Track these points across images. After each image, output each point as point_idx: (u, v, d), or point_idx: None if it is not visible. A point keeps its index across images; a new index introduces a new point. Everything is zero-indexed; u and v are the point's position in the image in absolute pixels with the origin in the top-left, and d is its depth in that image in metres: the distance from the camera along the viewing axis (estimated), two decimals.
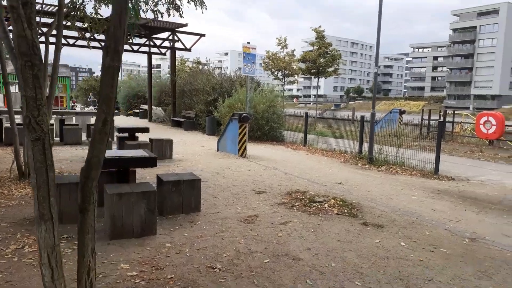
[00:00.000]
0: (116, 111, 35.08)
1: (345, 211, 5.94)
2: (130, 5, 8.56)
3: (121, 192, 4.43)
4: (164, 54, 24.67)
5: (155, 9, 9.18)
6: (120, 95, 34.74)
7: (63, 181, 4.89)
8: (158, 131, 18.60)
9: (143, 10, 9.06)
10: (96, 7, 8.65)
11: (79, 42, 21.65)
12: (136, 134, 10.87)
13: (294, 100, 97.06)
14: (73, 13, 8.42)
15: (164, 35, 22.61)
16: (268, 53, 26.02)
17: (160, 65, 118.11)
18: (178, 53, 26.35)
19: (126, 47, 22.93)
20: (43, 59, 8.44)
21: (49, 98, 7.33)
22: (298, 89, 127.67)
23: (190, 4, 9.31)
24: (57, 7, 7.48)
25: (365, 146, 11.40)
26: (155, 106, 25.44)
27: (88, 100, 41.07)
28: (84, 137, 13.55)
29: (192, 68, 29.18)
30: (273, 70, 26.16)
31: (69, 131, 12.21)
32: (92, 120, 18.49)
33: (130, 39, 21.45)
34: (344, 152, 12.43)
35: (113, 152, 5.37)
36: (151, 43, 23.15)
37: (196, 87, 19.09)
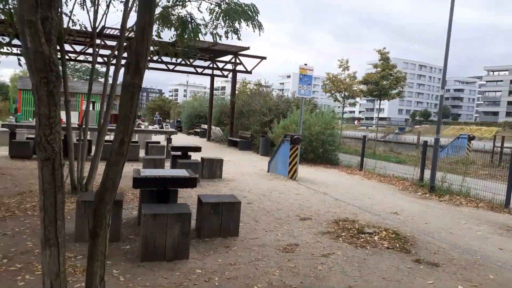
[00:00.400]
0: (178, 129, 36.52)
1: (397, 245, 5.40)
2: (190, 28, 8.85)
3: (156, 212, 4.35)
4: (226, 76, 25.26)
5: (214, 32, 9.38)
6: (183, 115, 36.09)
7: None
8: (214, 150, 18.85)
9: (202, 34, 9.29)
10: (159, 30, 8.99)
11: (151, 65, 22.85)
12: (189, 153, 10.99)
13: (356, 122, 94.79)
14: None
15: (228, 58, 23.24)
16: (328, 75, 25.64)
17: (224, 87, 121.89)
18: (240, 75, 26.89)
19: (191, 69, 23.87)
20: (105, 79, 8.84)
21: (105, 116, 7.63)
22: (360, 111, 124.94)
23: (248, 27, 9.41)
24: (119, 30, 7.82)
25: (427, 174, 10.59)
26: (214, 126, 25.96)
27: (154, 119, 43.06)
28: (142, 153, 14.01)
29: (253, 90, 29.57)
30: (332, 92, 25.68)
31: None
32: (154, 137, 19.22)
33: (190, 61, 22.28)
34: (404, 178, 11.64)
35: (155, 171, 5.37)
36: (215, 66, 23.87)
37: (253, 108, 19.17)
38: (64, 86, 7.26)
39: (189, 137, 29.12)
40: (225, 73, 24.12)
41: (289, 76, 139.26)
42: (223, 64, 23.60)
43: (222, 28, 9.27)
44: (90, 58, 20.83)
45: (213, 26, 9.18)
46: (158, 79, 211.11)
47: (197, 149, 10.19)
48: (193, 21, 8.74)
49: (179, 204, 4.92)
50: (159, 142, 14.80)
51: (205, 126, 27.36)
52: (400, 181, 11.48)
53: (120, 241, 4.91)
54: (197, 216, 5.50)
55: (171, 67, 23.27)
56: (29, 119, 28.00)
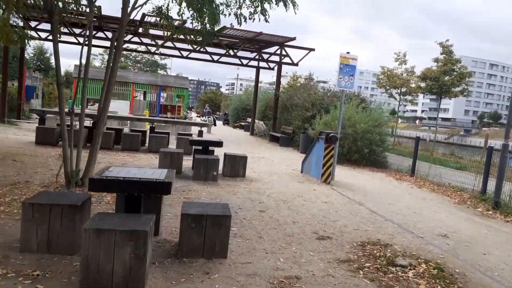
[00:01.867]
0: (226, 122, 35.96)
1: (438, 287, 3.95)
2: (207, 10, 7.75)
3: (100, 227, 3.29)
4: (272, 69, 24.03)
5: (239, 12, 8.21)
6: (230, 108, 35.44)
7: (57, 201, 3.97)
8: (252, 145, 17.80)
9: (224, 14, 8.16)
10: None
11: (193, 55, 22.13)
12: (214, 148, 9.97)
13: (417, 122, 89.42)
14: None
15: (274, 49, 22.02)
16: (383, 69, 23.45)
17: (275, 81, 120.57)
18: (291, 68, 25.64)
19: (235, 60, 22.92)
20: (107, 65, 7.94)
21: (104, 104, 6.77)
22: (422, 111, 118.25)
23: (278, 5, 8.16)
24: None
25: (492, 185, 8.74)
26: (257, 120, 24.92)
27: (204, 110, 42.97)
28: (173, 145, 13.23)
29: (302, 84, 28.11)
30: (387, 87, 23.48)
31: (153, 139, 11.94)
32: (191, 129, 18.49)
33: (233, 51, 21.31)
34: (462, 189, 9.81)
35: (127, 171, 4.32)
36: (260, 58, 22.75)
37: (296, 102, 17.82)
38: (56, 67, 6.47)
39: (234, 131, 28.36)
40: (271, 65, 22.89)
41: None
42: (268, 55, 22.43)
43: (248, 8, 8.11)
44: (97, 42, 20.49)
45: (237, 6, 8.03)
46: (216, 73, 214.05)
47: (218, 144, 9.10)
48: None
49: (141, 216, 3.81)
50: (191, 135, 13.97)
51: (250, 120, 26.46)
52: (457, 192, 9.67)
53: (76, 254, 3.93)
54: (180, 230, 4.40)
55: (215, 58, 22.44)
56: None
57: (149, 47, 21.88)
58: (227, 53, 21.44)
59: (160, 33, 20.50)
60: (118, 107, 30.41)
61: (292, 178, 9.77)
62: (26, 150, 10.22)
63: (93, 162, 6.72)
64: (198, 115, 38.31)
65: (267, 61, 22.45)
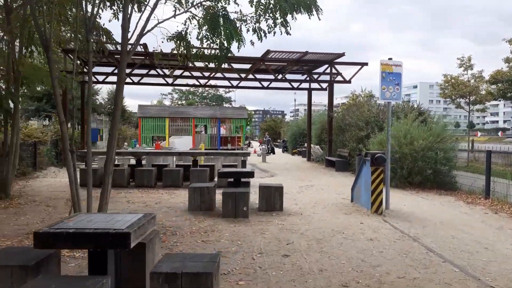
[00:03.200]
0: (285, 149, 35.09)
1: None
2: (223, 25, 7.14)
3: None
4: (325, 89, 22.99)
5: (256, 26, 7.51)
6: (288, 134, 34.64)
7: (6, 262, 3.34)
8: (305, 172, 16.71)
9: (241, 31, 7.50)
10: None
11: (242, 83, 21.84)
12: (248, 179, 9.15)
13: (499, 133, 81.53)
14: None
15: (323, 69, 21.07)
16: (446, 77, 21.20)
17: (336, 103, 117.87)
18: (349, 87, 24.45)
19: (286, 84, 22.24)
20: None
21: (110, 139, 6.29)
22: (505, 121, 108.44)
23: (303, 14, 7.35)
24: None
25: None
26: (313, 145, 23.76)
27: (264, 139, 42.62)
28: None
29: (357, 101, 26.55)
30: (453, 97, 21.13)
31: (194, 174, 11.40)
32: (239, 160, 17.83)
33: (282, 75, 20.62)
34: None
35: (90, 219, 3.58)
36: (311, 78, 21.89)
37: (349, 121, 16.54)
38: (56, 104, 6.14)
39: (292, 157, 27.41)
40: (323, 85, 21.83)
41: (415, 87, 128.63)
42: (317, 75, 21.48)
43: (266, 22, 7.37)
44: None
45: (254, 20, 7.32)
46: (279, 101, 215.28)
47: (249, 174, 8.24)
48: (226, 15, 7.01)
49: (94, 279, 3.02)
50: (236, 165, 13.31)
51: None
52: None
53: None
54: None
55: (265, 84, 21.91)
56: (143, 145, 29.65)
57: (200, 80, 21.89)
58: (275, 78, 20.86)
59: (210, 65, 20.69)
60: (182, 142, 31.06)
61: (339, 209, 8.56)
62: (66, 194, 10.15)
63: (105, 205, 6.21)
64: (261, 144, 37.88)
65: (318, 81, 21.48)
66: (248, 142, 45.21)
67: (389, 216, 7.89)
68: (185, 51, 7.75)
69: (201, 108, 40.82)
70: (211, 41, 7.43)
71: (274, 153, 32.06)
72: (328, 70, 20.45)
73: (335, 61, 19.57)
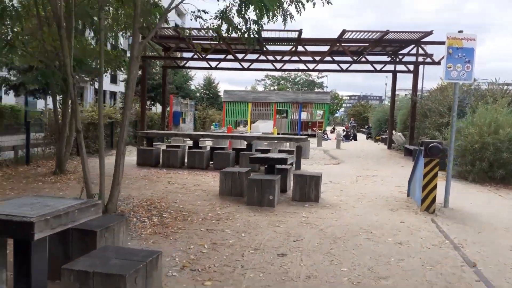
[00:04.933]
0: (369, 136, 33.01)
1: None
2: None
3: None
4: (411, 71, 20.84)
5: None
6: (372, 120, 32.56)
7: None
8: (380, 161, 15.33)
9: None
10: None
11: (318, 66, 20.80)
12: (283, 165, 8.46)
13: None
14: None
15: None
16: None
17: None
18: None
19: (367, 67, 20.60)
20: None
21: (123, 120, 6.12)
22: None
23: None
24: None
25: None
26: (395, 132, 21.81)
27: (349, 124, 40.81)
28: None
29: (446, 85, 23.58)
30: None
31: (218, 157, 11.04)
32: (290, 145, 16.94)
33: (366, 58, 19.04)
34: None
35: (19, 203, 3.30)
36: (396, 59, 19.99)
37: (429, 107, 14.67)
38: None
39: (373, 145, 25.64)
40: (410, 67, 19.74)
41: None
42: (402, 56, 19.47)
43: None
44: None
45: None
46: (377, 86, 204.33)
47: (281, 161, 7.53)
48: None
49: None
50: (292, 151, 12.61)
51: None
52: None
53: None
54: None
55: (344, 66, 20.52)
56: (216, 128, 30.22)
57: (275, 64, 21.23)
58: (353, 60, 19.38)
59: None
60: (266, 127, 31.08)
61: (387, 204, 7.48)
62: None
63: (116, 185, 6.11)
64: (347, 130, 36.31)
65: (403, 62, 19.46)
66: (332, 127, 43.65)
67: (442, 215, 6.63)
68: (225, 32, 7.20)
69: (284, 93, 40.30)
70: (241, 16, 6.82)
71: (356, 139, 30.38)
72: (414, 51, 18.42)
73: (422, 40, 17.48)
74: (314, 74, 73.87)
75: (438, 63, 18.03)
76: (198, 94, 59.96)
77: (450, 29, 12.15)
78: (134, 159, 12.04)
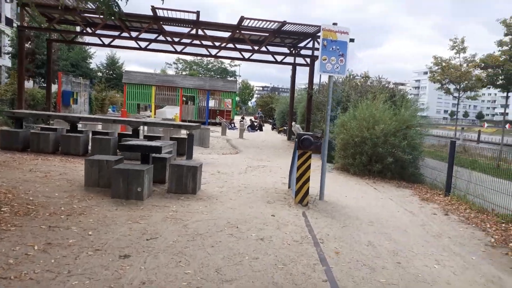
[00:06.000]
0: (274, 127, 33.68)
1: None
2: None
3: None
4: (308, 64, 21.41)
5: None
6: (276, 111, 33.24)
7: None
8: (275, 152, 15.49)
9: None
10: None
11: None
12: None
13: (507, 126, 78.73)
14: None
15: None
16: (436, 60, 19.29)
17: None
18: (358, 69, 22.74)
19: (268, 57, 20.63)
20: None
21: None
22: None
23: None
24: None
25: None
26: (294, 123, 22.39)
27: (256, 115, 41.27)
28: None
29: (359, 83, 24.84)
30: (443, 82, 19.31)
31: (96, 142, 10.13)
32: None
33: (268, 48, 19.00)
34: (509, 220, 6.57)
35: None
36: (296, 52, 20.30)
37: (320, 100, 15.15)
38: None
39: (276, 136, 26.12)
40: (308, 60, 20.22)
41: (426, 73, 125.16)
42: (300, 49, 19.87)
43: None
44: None
45: None
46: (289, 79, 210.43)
47: (155, 149, 6.93)
48: None
49: None
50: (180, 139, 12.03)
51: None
52: (501, 224, 6.47)
53: None
54: None
55: (246, 55, 20.32)
56: (114, 111, 28.34)
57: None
58: (253, 49, 19.23)
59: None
60: (171, 112, 29.78)
61: (266, 196, 7.31)
62: None
63: None
64: (255, 120, 36.52)
65: (302, 55, 19.85)
66: (242, 117, 43.83)
67: (314, 209, 6.63)
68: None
69: (190, 78, 39.22)
70: None
71: (261, 130, 30.74)
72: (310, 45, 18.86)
73: (318, 34, 17.92)
74: (226, 62, 73.68)
75: None
76: (100, 74, 55.88)
77: (355, 28, 12.42)
78: None
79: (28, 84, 36.09)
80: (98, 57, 71.22)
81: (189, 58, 72.95)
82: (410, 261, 4.55)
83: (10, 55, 30.90)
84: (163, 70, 74.92)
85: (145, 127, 15.48)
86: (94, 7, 6.30)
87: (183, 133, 15.40)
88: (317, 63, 7.07)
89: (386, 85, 14.18)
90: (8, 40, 31.17)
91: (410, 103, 11.04)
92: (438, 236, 5.70)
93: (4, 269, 3.52)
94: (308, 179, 6.69)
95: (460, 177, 8.53)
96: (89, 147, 10.60)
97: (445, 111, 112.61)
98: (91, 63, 46.51)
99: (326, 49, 7.00)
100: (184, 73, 70.31)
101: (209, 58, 71.02)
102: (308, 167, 6.68)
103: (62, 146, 10.30)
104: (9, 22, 36.00)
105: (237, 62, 75.48)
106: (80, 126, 14.11)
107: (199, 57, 70.19)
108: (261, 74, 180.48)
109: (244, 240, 4.81)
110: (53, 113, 13.53)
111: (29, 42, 32.70)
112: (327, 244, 4.90)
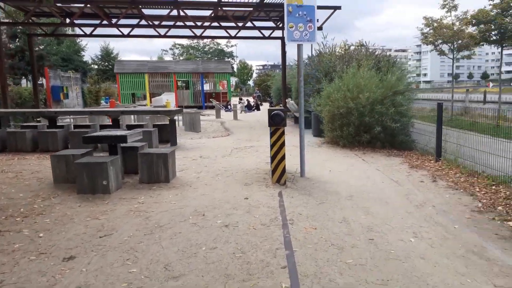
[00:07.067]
0: (272, 105, 33.14)
1: None
2: None
3: None
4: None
5: None
6: (273, 88, 32.64)
7: None
8: (267, 131, 15.05)
9: None
10: None
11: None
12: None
13: (488, 84, 76.53)
14: None
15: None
16: (427, 21, 18.46)
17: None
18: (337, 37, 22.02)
19: (256, 33, 19.99)
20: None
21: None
22: None
23: None
24: None
25: None
26: (289, 100, 21.88)
27: (254, 94, 40.72)
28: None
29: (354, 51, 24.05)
30: (435, 43, 18.54)
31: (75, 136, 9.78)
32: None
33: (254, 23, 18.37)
34: (500, 181, 6.17)
35: None
36: (282, 26, 19.61)
37: (307, 72, 14.63)
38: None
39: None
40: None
41: (418, 37, 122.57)
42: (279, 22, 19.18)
43: None
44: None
45: None
46: (294, 56, 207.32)
47: (119, 138, 6.56)
48: None
49: None
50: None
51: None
52: (491, 186, 6.08)
53: None
54: None
55: (232, 32, 19.68)
56: (104, 103, 27.99)
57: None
58: (237, 26, 18.57)
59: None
60: (165, 99, 29.33)
61: (246, 178, 6.98)
62: None
63: None
64: (254, 99, 35.96)
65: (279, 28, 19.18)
66: (240, 97, 43.26)
67: (292, 187, 6.28)
68: None
69: (183, 62, 38.59)
70: None
71: (259, 109, 30.30)
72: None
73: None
74: (223, 43, 72.32)
75: (320, 28, 18.06)
76: (96, 67, 55.29)
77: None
78: None
79: (22, 82, 35.79)
80: (92, 49, 70.09)
81: (185, 42, 71.87)
82: (384, 237, 4.21)
83: None
84: (160, 57, 74.00)
85: (136, 116, 15.17)
86: None
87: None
88: (284, 33, 6.60)
89: (374, 51, 13.56)
90: None
91: (395, 68, 10.49)
92: (421, 206, 5.34)
93: None
94: (283, 157, 6.31)
95: (451, 140, 8.11)
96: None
97: (449, 74, 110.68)
98: (83, 56, 45.96)
99: (292, 15, 6.52)
100: (181, 58, 69.38)
101: (205, 41, 70.06)
102: (283, 144, 6.30)
103: (40, 143, 10.00)
104: None
105: (233, 42, 74.16)
106: (69, 121, 13.84)
107: (195, 41, 69.15)
108: (258, 52, 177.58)
109: (206, 229, 4.49)
110: (29, 110, 13.20)
111: (17, 39, 32.24)
112: (297, 225, 4.56)
